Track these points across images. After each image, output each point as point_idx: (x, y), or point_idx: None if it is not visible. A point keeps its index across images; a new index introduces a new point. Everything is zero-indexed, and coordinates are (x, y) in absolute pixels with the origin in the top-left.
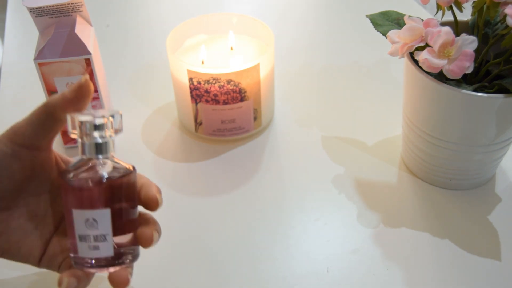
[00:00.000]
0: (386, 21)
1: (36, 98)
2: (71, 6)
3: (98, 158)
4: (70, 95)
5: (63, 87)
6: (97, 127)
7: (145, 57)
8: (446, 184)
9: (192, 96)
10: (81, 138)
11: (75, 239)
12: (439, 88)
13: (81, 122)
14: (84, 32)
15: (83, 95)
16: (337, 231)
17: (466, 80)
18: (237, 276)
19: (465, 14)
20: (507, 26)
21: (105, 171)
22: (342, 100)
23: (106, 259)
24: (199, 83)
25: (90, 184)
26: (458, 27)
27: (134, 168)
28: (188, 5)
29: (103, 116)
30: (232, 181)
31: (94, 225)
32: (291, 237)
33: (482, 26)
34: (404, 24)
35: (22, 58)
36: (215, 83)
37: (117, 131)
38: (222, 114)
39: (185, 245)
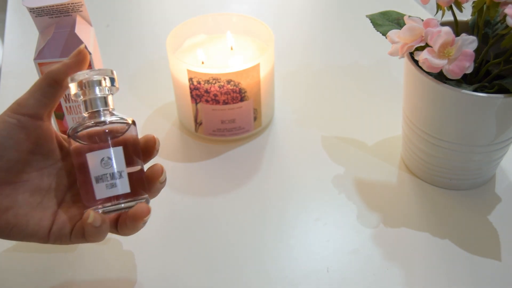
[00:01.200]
0: (386, 21)
1: None
2: (71, 6)
3: (100, 110)
4: (70, 60)
5: None
6: (96, 83)
7: (145, 57)
8: (446, 184)
9: (192, 96)
10: (83, 95)
11: (91, 185)
12: (439, 88)
13: (81, 81)
14: (84, 32)
15: (81, 60)
16: (337, 231)
17: (466, 80)
18: (237, 276)
19: (465, 14)
20: (507, 26)
21: (108, 118)
22: (342, 100)
23: (123, 196)
24: (199, 83)
25: (99, 127)
26: (458, 27)
27: (133, 121)
28: (188, 5)
29: (99, 74)
30: (232, 181)
31: (109, 163)
32: (291, 237)
33: (482, 26)
34: (404, 24)
35: (22, 58)
36: (215, 83)
37: (113, 89)
38: (222, 114)
39: (185, 245)
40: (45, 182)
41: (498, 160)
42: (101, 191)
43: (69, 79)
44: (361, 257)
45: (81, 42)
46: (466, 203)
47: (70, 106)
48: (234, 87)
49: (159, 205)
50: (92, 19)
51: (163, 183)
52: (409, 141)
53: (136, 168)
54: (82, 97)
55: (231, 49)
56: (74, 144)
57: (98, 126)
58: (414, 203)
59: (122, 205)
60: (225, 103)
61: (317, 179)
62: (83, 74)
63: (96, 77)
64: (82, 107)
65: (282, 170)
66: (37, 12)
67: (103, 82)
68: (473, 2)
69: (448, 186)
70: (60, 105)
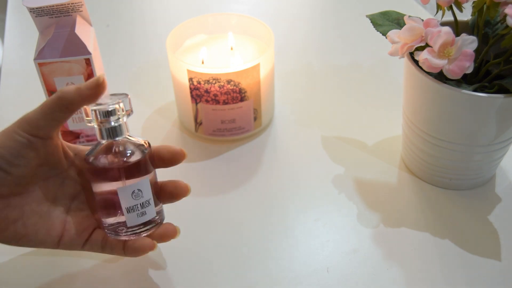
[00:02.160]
0: (386, 21)
1: (36, 98)
2: (71, 6)
3: (116, 140)
4: (88, 92)
5: (63, 87)
6: (110, 113)
7: (145, 57)
8: (446, 184)
9: (192, 96)
10: (98, 125)
11: (114, 215)
12: (439, 88)
13: (96, 111)
14: (84, 32)
15: (98, 93)
16: (337, 231)
17: (466, 80)
18: (237, 276)
19: (465, 14)
20: (507, 26)
21: (128, 150)
22: (342, 100)
23: (150, 221)
24: (199, 83)
25: (123, 161)
26: (458, 27)
27: (149, 143)
28: (188, 5)
29: (114, 103)
30: (232, 181)
31: (139, 194)
32: (291, 237)
33: (482, 26)
34: (404, 24)
35: (22, 58)
36: (215, 83)
37: (128, 113)
38: (222, 114)
39: (184, 245)
40: (51, 191)
41: (498, 160)
42: (132, 219)
43: (86, 108)
44: (361, 257)
45: (81, 42)
46: (466, 203)
47: None
48: (234, 87)
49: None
50: (92, 19)
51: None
52: (409, 141)
53: (153, 188)
54: (96, 125)
55: (231, 49)
56: (95, 168)
57: (126, 159)
58: (414, 203)
59: (143, 234)
60: (225, 103)
61: (317, 179)
62: (97, 105)
63: (111, 107)
64: (97, 133)
65: (282, 170)
66: (37, 12)
67: (118, 110)
68: (473, 2)
69: (448, 186)
70: None
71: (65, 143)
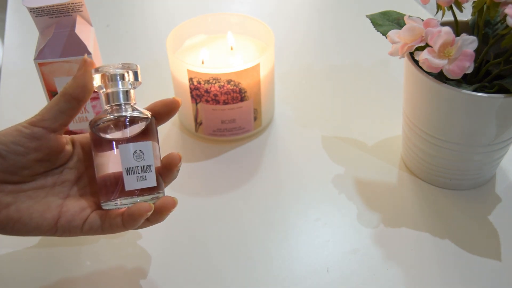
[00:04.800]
0: (386, 21)
1: (36, 98)
2: (71, 6)
3: (122, 104)
4: (78, 73)
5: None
6: (119, 76)
7: (145, 57)
8: (446, 184)
9: (192, 96)
10: (105, 88)
11: (111, 177)
12: (439, 88)
13: (104, 74)
14: (84, 32)
15: (87, 69)
16: (337, 231)
17: (466, 80)
18: (237, 276)
19: (465, 14)
20: (507, 26)
21: (135, 112)
22: (342, 100)
23: (149, 189)
24: (199, 83)
25: (128, 122)
26: (458, 27)
27: (153, 115)
28: (188, 5)
29: (123, 69)
30: (232, 181)
31: (141, 156)
32: (291, 237)
33: (482, 26)
34: (404, 24)
35: (22, 58)
36: (215, 83)
37: (137, 84)
38: (222, 114)
39: (184, 245)
40: (49, 181)
41: (498, 160)
42: (131, 182)
43: (93, 71)
44: (361, 257)
45: (81, 42)
46: (466, 203)
47: None
48: (234, 87)
49: None
50: (92, 19)
51: (178, 171)
52: (409, 141)
53: (157, 163)
54: (104, 90)
55: (231, 49)
56: (96, 136)
57: (129, 119)
58: (414, 203)
59: (138, 200)
60: (225, 103)
61: (317, 179)
62: (107, 67)
63: (119, 71)
64: (104, 100)
65: (282, 170)
66: (37, 12)
67: (126, 76)
68: (473, 2)
69: (448, 186)
70: None
71: (77, 137)
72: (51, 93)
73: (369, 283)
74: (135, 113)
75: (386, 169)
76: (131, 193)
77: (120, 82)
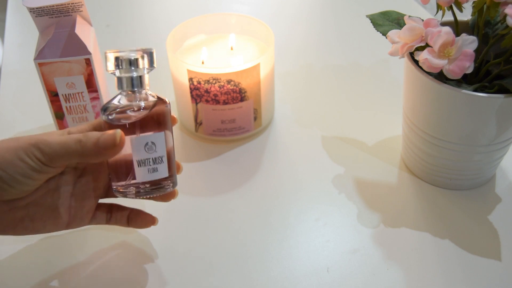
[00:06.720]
0: (386, 21)
1: (36, 98)
2: (71, 6)
3: (135, 91)
4: (104, 151)
5: (63, 87)
6: (133, 62)
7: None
8: (446, 184)
9: (192, 96)
10: (120, 73)
11: (128, 170)
12: (439, 88)
13: (118, 58)
14: (84, 32)
15: (114, 152)
16: (337, 231)
17: (466, 80)
18: (237, 276)
19: (465, 14)
20: (507, 26)
21: (150, 99)
22: (342, 100)
23: (160, 184)
24: (199, 83)
25: (142, 111)
26: (458, 27)
27: (169, 101)
28: (188, 5)
29: (138, 52)
30: (232, 181)
31: (153, 148)
32: (291, 237)
33: (482, 26)
34: (404, 24)
35: (22, 58)
36: (215, 83)
37: (151, 68)
38: (222, 114)
39: (184, 244)
40: (51, 184)
41: (498, 160)
42: (142, 174)
43: (106, 52)
44: (361, 257)
45: (81, 42)
46: (466, 203)
47: (70, 106)
48: (234, 87)
49: (159, 205)
50: (92, 19)
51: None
52: (409, 141)
53: (170, 151)
54: (118, 73)
55: (231, 49)
56: (108, 124)
57: (144, 109)
58: (414, 203)
59: (148, 189)
60: (225, 103)
61: (317, 179)
62: (122, 51)
63: (134, 55)
64: (118, 83)
65: (282, 170)
66: (37, 12)
67: (140, 61)
68: (473, 2)
69: (448, 186)
70: (60, 105)
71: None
72: (51, 93)
73: (369, 283)
74: (149, 100)
75: (386, 169)
76: (143, 184)
77: (134, 67)
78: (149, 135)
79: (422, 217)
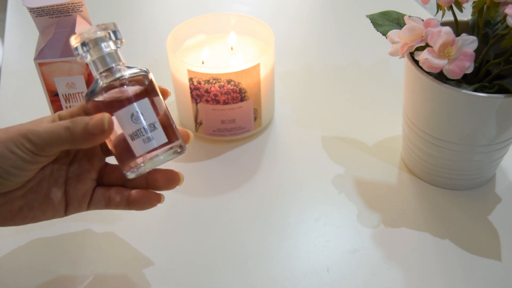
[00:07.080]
0: (386, 21)
1: (36, 98)
2: (71, 6)
3: (112, 67)
4: (94, 134)
5: (63, 87)
6: (100, 39)
7: (145, 57)
8: (446, 184)
9: (192, 96)
10: (90, 55)
11: (125, 145)
12: (439, 88)
13: (84, 41)
14: None
15: (104, 137)
16: (337, 231)
17: (466, 80)
18: (237, 276)
19: (465, 14)
20: (507, 26)
21: (126, 72)
22: (342, 100)
23: (161, 147)
24: (199, 83)
25: (118, 84)
26: (458, 27)
27: (148, 69)
28: (188, 5)
29: (102, 30)
30: (232, 181)
31: (139, 117)
32: (291, 237)
33: (482, 26)
34: (404, 24)
35: (22, 58)
36: (215, 83)
37: (121, 42)
38: (222, 114)
39: (184, 245)
40: (46, 170)
41: (498, 160)
42: (139, 146)
43: (71, 38)
44: (361, 257)
45: None
46: (466, 203)
47: (70, 106)
48: (234, 87)
49: (159, 204)
50: (92, 19)
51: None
52: (409, 141)
53: (162, 115)
54: (89, 57)
55: (231, 49)
56: (95, 106)
57: (117, 83)
58: (414, 203)
59: (161, 157)
60: (225, 103)
61: (317, 179)
62: (85, 33)
63: (99, 33)
64: (93, 69)
65: (282, 170)
66: (37, 12)
67: (107, 37)
68: (473, 2)
69: (448, 186)
70: (60, 105)
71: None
72: (51, 93)
73: (369, 283)
74: (128, 72)
75: (386, 169)
76: (144, 157)
77: (103, 45)
78: (131, 105)
79: (422, 217)
